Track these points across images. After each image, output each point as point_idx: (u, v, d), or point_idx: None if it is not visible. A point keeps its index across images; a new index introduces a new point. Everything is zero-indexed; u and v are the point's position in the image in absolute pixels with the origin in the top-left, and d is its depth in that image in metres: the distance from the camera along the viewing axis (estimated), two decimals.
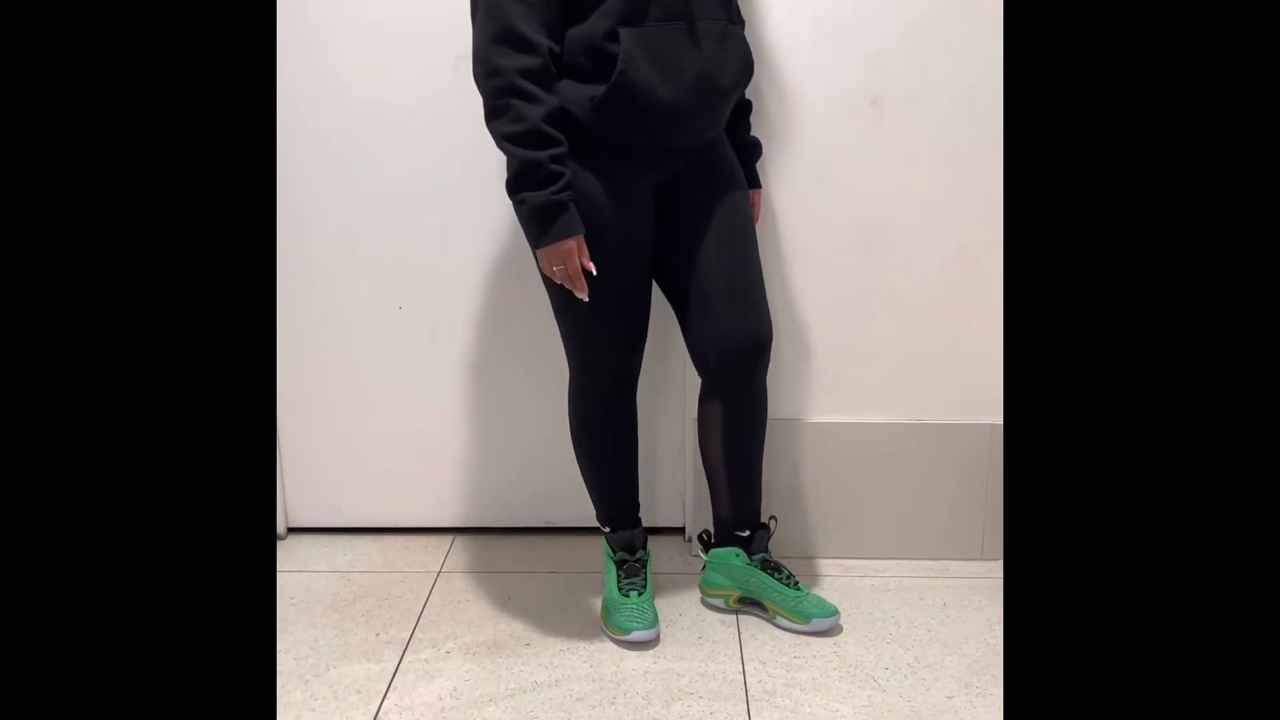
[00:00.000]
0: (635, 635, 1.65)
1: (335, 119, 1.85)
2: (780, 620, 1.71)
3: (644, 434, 1.88)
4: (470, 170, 1.86)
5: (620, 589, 1.71)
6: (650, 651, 1.64)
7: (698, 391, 1.72)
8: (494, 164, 1.85)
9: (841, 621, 1.72)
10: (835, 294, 1.87)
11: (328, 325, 1.95)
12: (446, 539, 2.05)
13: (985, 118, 1.78)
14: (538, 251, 1.48)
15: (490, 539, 2.04)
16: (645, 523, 1.81)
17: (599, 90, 1.43)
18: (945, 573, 1.90)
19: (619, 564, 1.74)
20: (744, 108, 1.68)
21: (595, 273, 1.49)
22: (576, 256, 1.46)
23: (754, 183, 1.72)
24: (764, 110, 1.78)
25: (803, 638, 1.67)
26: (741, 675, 1.58)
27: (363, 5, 1.80)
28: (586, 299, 1.50)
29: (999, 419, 1.90)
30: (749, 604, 1.75)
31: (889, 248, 1.85)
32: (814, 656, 1.63)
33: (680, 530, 2.04)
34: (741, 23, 1.59)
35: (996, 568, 1.92)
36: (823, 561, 1.94)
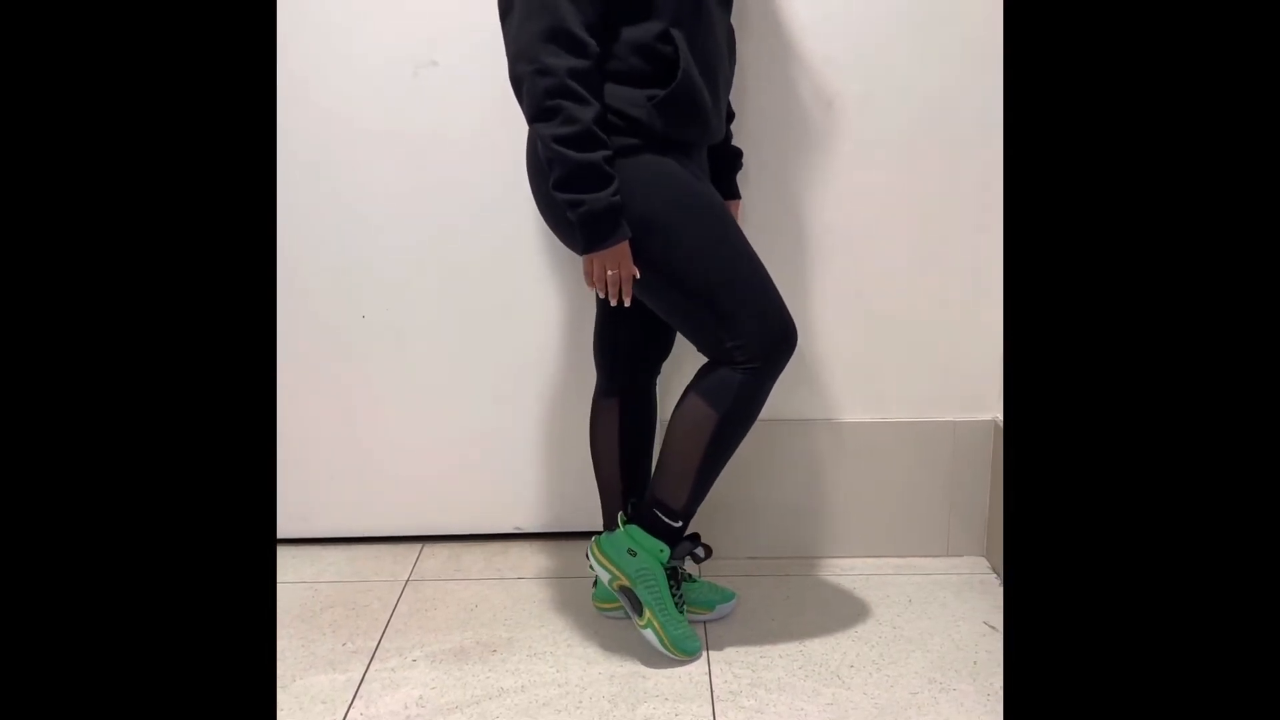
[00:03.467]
0: (699, 652, 1.64)
1: (294, 127, 1.84)
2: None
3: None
4: (431, 177, 1.86)
5: (677, 604, 1.63)
6: (616, 655, 1.64)
7: (676, 392, 1.72)
8: (454, 171, 1.86)
9: (808, 620, 1.73)
10: (796, 295, 1.88)
11: (291, 335, 1.94)
12: (415, 547, 2.04)
13: (942, 118, 1.80)
14: (593, 255, 1.43)
15: (459, 546, 2.04)
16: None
17: (657, 92, 1.42)
18: (910, 569, 1.91)
19: (671, 573, 1.63)
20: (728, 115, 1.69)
21: (639, 277, 1.45)
22: (630, 259, 1.43)
23: (733, 193, 1.72)
24: None
25: (771, 638, 1.68)
26: (707, 676, 1.58)
27: (323, 14, 1.80)
28: (629, 304, 1.46)
29: (962, 415, 1.92)
30: None
31: (848, 248, 1.86)
32: (779, 656, 1.63)
33: None
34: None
35: (961, 563, 1.94)
36: (787, 560, 1.95)
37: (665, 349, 1.72)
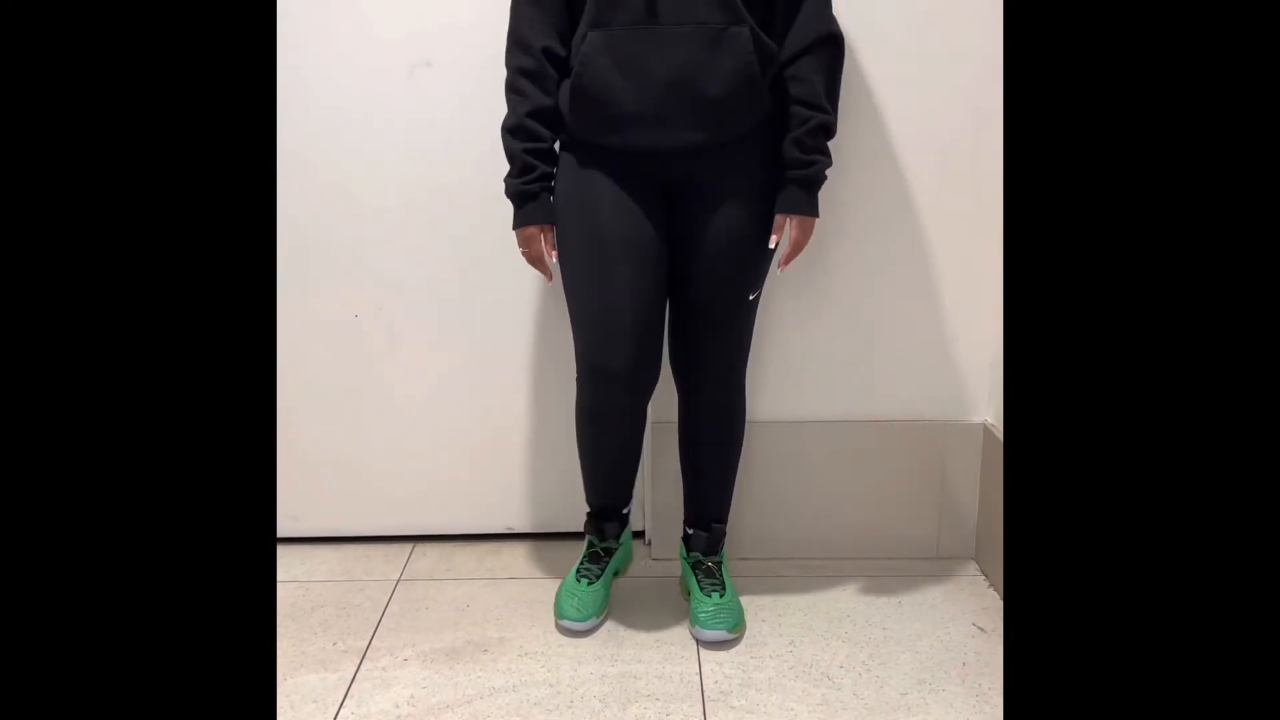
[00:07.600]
0: (564, 623, 1.72)
1: (292, 127, 1.84)
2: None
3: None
4: (425, 178, 1.86)
5: (577, 573, 1.77)
6: (608, 654, 1.65)
7: (674, 399, 1.75)
8: (450, 171, 1.87)
9: (798, 620, 1.74)
10: (787, 292, 1.89)
11: (283, 334, 1.94)
12: (407, 546, 2.05)
13: (930, 117, 1.80)
14: (516, 231, 1.58)
15: (451, 546, 2.04)
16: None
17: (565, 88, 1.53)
18: (900, 570, 1.92)
19: (588, 548, 1.79)
20: (793, 119, 1.51)
21: (555, 261, 1.59)
22: (540, 243, 1.57)
23: (784, 207, 1.55)
24: None
25: (760, 637, 1.69)
26: (698, 676, 1.59)
27: (321, 14, 1.80)
28: (550, 283, 1.68)
29: (952, 416, 1.93)
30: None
31: (838, 245, 1.87)
32: (770, 656, 1.64)
33: (640, 534, 2.04)
34: (747, 23, 1.44)
35: (951, 565, 1.95)
36: (778, 561, 1.95)
37: (729, 352, 1.66)
